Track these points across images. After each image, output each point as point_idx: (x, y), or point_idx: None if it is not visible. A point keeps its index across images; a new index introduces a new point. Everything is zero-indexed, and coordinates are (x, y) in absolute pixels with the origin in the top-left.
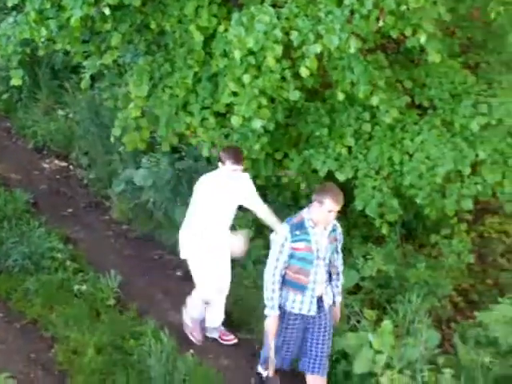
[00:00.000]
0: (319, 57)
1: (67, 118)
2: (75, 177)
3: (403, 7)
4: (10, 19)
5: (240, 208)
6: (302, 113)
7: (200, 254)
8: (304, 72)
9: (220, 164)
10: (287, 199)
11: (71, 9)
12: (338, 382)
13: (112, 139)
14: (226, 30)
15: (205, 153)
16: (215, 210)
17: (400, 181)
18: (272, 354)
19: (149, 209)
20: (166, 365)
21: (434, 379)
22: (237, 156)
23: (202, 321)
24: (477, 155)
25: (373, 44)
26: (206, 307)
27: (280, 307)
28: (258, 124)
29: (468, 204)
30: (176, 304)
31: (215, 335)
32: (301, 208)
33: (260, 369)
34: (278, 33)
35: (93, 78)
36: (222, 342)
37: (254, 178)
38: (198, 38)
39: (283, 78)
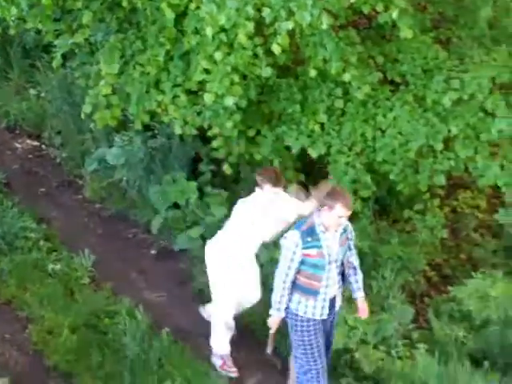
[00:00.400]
0: (291, 33)
1: (39, 97)
2: (48, 156)
3: None
4: None
5: None
6: (275, 90)
7: (224, 268)
8: (276, 49)
9: (257, 189)
10: None
11: None
12: None
13: (82, 116)
14: (197, 8)
15: (177, 131)
16: (251, 233)
17: (373, 157)
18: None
19: (122, 187)
20: (142, 343)
21: (408, 354)
22: (276, 178)
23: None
24: (449, 130)
25: (344, 20)
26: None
27: (292, 313)
28: (230, 101)
29: (441, 179)
30: (151, 282)
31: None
32: None
33: None
34: (250, 10)
35: (64, 56)
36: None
37: (227, 155)
38: (170, 15)
39: (255, 55)
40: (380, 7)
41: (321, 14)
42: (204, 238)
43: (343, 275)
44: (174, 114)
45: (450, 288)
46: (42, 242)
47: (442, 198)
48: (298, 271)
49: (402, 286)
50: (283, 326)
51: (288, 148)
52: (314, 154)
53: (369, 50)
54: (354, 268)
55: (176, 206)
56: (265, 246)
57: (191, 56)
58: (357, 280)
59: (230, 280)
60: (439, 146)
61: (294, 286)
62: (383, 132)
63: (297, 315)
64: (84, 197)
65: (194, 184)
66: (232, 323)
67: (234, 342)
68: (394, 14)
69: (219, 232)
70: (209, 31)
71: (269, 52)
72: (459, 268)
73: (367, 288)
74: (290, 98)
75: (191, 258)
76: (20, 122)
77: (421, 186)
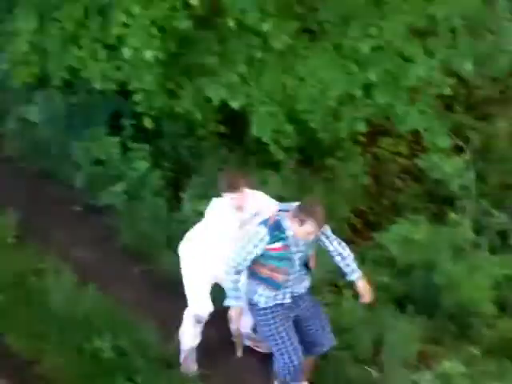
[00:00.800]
0: None
1: None
2: None
3: None
4: None
5: None
6: (194, 42)
7: (195, 256)
8: (194, 0)
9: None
10: (182, 129)
11: None
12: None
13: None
14: None
15: (97, 86)
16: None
17: (293, 106)
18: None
19: (44, 145)
20: (69, 300)
21: (335, 300)
22: (231, 182)
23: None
24: (368, 77)
25: None
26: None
27: (257, 307)
28: (149, 55)
29: (361, 126)
30: (76, 239)
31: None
32: (198, 138)
33: None
34: None
35: None
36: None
37: (148, 109)
38: None
39: (173, 8)
40: None
41: None
42: (128, 193)
43: (307, 265)
44: (93, 70)
45: (374, 234)
46: None
47: (363, 145)
48: (262, 264)
49: None
50: None
51: (209, 100)
52: (234, 105)
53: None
54: (340, 254)
55: (99, 161)
56: None
57: (109, 10)
58: (347, 264)
59: (203, 272)
60: (359, 94)
61: (257, 278)
62: (303, 81)
63: (261, 307)
64: (6, 155)
65: (115, 139)
66: (204, 317)
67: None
68: None
69: (195, 227)
70: None
71: (187, 4)
72: (383, 214)
73: None
74: (209, 50)
75: (116, 213)
76: None
77: (342, 133)
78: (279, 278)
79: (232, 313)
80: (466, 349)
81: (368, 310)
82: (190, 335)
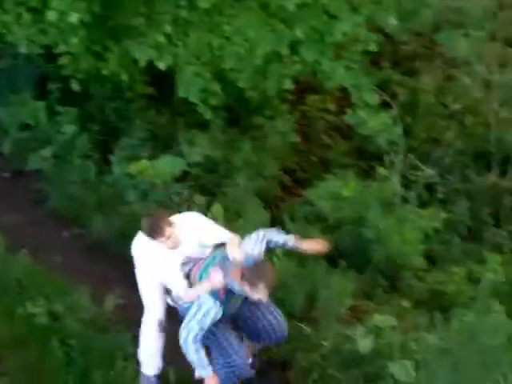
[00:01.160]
0: None
1: None
2: None
3: None
4: None
5: None
6: (119, 3)
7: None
8: None
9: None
10: (109, 91)
11: None
12: None
13: None
14: None
15: (23, 50)
16: None
17: (220, 65)
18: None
19: None
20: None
21: (266, 257)
22: (153, 229)
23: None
24: (294, 35)
25: None
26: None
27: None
28: (74, 17)
29: (288, 84)
30: (5, 205)
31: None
32: (126, 101)
33: None
34: None
35: None
36: None
37: (74, 72)
38: None
39: None
40: None
41: None
42: (56, 157)
43: None
44: (18, 34)
45: (303, 191)
46: None
47: (291, 102)
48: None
49: (257, 192)
50: None
51: (136, 62)
52: (161, 65)
53: None
54: (283, 243)
55: (26, 126)
56: None
57: None
58: (285, 241)
59: (156, 269)
60: (285, 51)
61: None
62: (229, 40)
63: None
64: None
65: (42, 103)
66: (163, 323)
67: None
68: None
69: None
70: None
71: None
72: (312, 171)
73: (222, 196)
74: (135, 11)
75: (45, 177)
76: None
77: (269, 91)
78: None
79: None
80: (396, 302)
81: (300, 266)
82: (154, 357)
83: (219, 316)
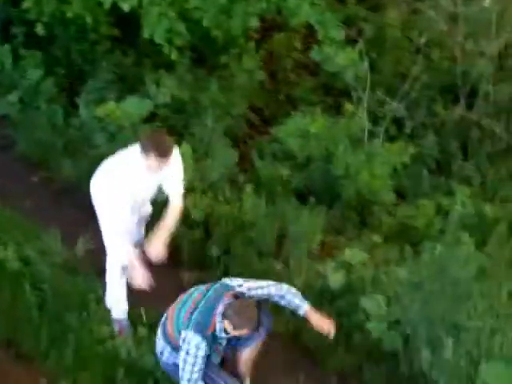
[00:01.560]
0: None
1: None
2: None
3: None
4: None
5: None
6: None
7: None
8: None
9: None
10: (74, 34)
11: None
12: None
13: None
14: None
15: None
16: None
17: (185, 5)
18: None
19: None
20: None
21: (235, 196)
22: (163, 150)
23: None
24: None
25: None
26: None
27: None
28: None
29: (254, 22)
30: None
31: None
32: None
33: None
34: None
35: None
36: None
37: (38, 16)
38: None
39: None
40: None
41: None
42: (22, 102)
43: None
44: None
45: (271, 129)
46: None
47: (257, 41)
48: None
49: (225, 131)
50: None
51: (100, 3)
52: (125, 7)
53: None
54: (282, 296)
55: None
56: None
57: None
58: (297, 306)
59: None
60: None
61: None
62: None
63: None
64: None
65: (7, 47)
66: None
67: None
68: None
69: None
70: None
71: None
72: (279, 109)
73: (191, 136)
74: None
75: (11, 122)
76: None
77: (234, 30)
78: None
79: None
80: (367, 237)
81: (270, 204)
82: (121, 298)
83: (208, 351)
